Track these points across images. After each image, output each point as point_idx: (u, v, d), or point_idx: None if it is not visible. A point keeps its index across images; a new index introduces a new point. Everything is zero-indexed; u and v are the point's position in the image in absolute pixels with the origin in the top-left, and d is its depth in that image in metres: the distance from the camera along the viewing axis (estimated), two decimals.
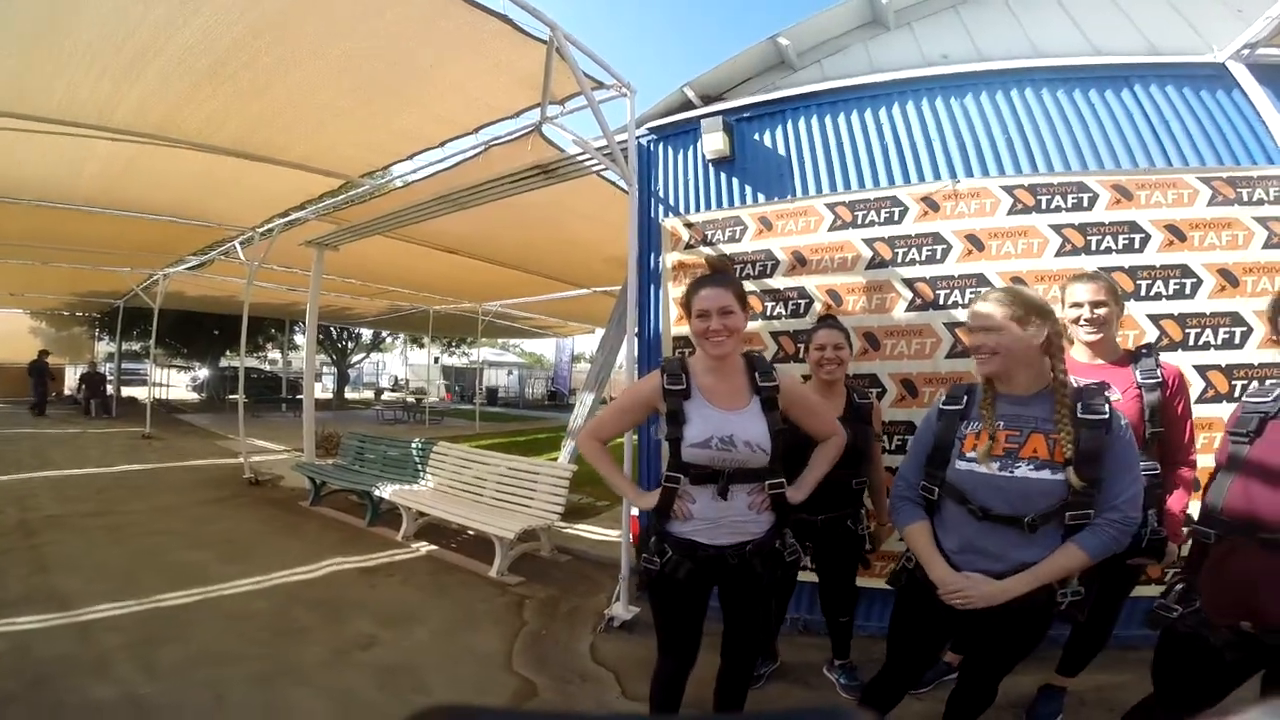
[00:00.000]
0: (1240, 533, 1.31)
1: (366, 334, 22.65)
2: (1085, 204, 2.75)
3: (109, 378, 15.70)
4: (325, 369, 23.24)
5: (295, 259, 7.31)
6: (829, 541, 2.26)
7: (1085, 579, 1.48)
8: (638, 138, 3.75)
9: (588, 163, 3.89)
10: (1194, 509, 1.58)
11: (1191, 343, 2.54)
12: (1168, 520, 1.84)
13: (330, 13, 2.96)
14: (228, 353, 19.49)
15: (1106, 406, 1.40)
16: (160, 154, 4.33)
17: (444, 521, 4.38)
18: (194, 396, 20.27)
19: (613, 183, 4.45)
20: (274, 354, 23.36)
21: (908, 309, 2.86)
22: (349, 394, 23.12)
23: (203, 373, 20.76)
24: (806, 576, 2.50)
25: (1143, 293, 2.60)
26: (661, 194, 3.63)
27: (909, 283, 2.87)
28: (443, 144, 4.28)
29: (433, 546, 4.38)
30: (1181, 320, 2.56)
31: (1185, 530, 1.76)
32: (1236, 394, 2.44)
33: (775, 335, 3.05)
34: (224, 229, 6.68)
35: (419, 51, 3.26)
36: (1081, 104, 3.01)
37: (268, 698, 2.32)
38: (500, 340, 26.37)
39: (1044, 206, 2.79)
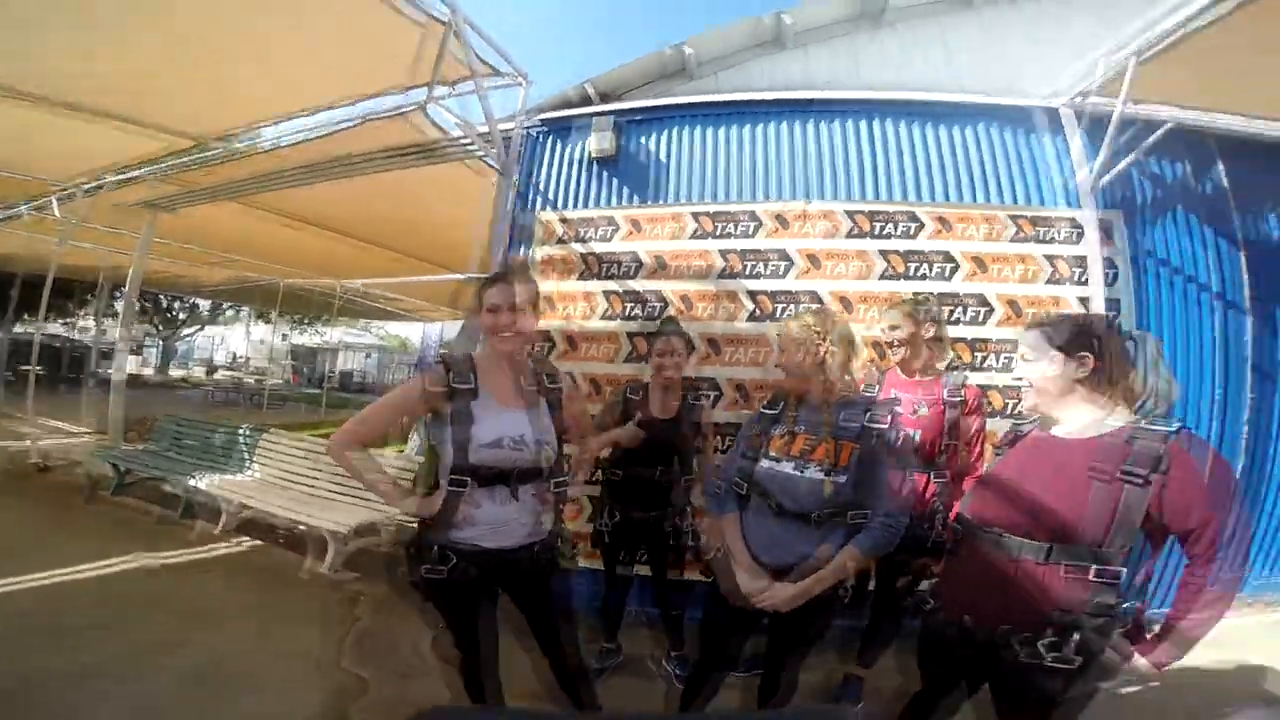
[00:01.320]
0: (975, 533, 1.67)
1: (204, 305, 22.03)
2: (912, 232, 3.70)
3: None
4: (147, 340, 22.32)
5: (123, 219, 7.40)
6: (658, 537, 2.80)
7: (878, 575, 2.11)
8: (527, 128, 4.42)
9: (471, 147, 4.49)
10: None
11: (979, 365, 3.50)
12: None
13: None
14: (26, 316, 18.35)
15: (885, 419, 1.86)
16: None
17: (270, 515, 4.64)
18: None
19: (499, 171, 5.10)
20: (86, 321, 22.08)
21: (748, 319, 3.69)
22: (175, 371, 22.44)
23: None
24: (643, 570, 3.07)
25: (946, 318, 3.53)
26: (542, 186, 4.30)
27: (753, 294, 3.72)
28: (314, 112, 4.73)
29: (256, 542, 4.68)
30: (972, 344, 3.52)
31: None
32: (1009, 412, 3.38)
33: (631, 336, 3.79)
34: (38, 181, 6.70)
35: (303, 18, 3.63)
36: (930, 137, 3.98)
37: (48, 700, 2.41)
38: (362, 321, 26.42)
39: (877, 232, 3.71)
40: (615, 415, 2.82)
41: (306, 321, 24.01)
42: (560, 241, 4.08)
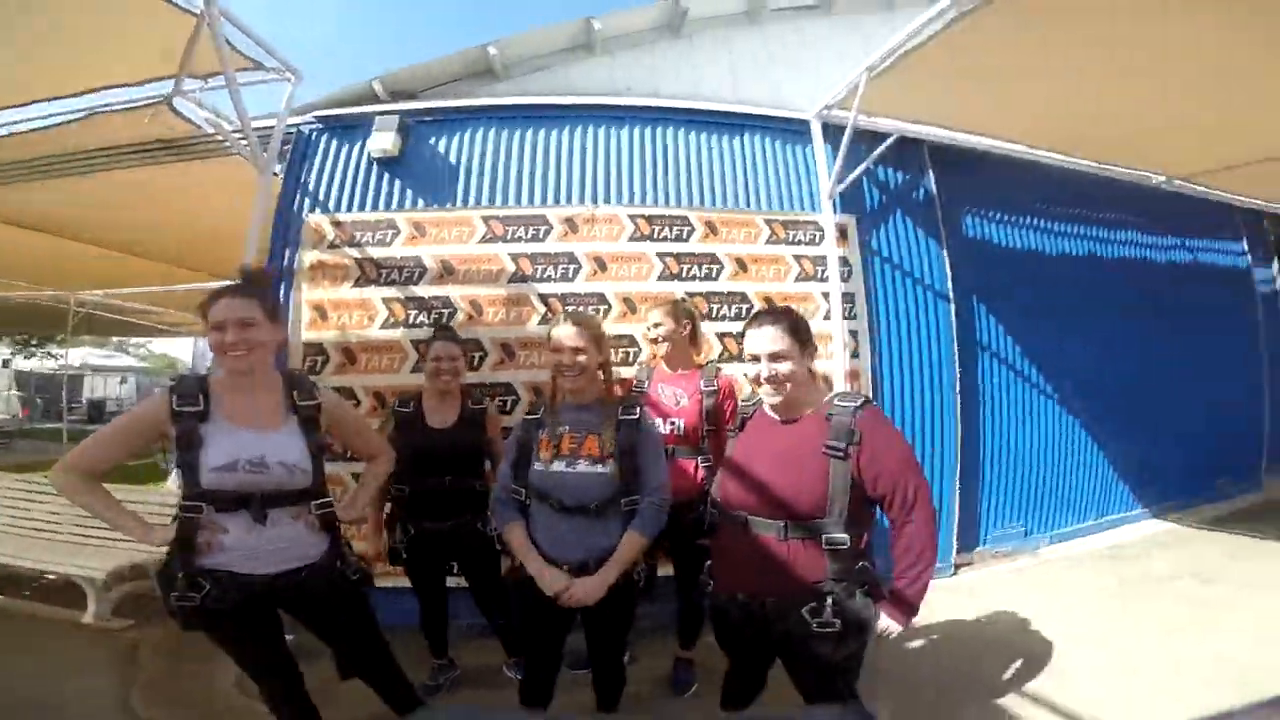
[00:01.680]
0: (726, 516, 1.80)
1: None
2: (684, 236, 4.00)
3: None
4: None
5: None
6: (463, 547, 2.73)
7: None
8: (298, 126, 4.12)
9: (224, 144, 4.10)
10: None
11: (745, 357, 3.91)
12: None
13: None
14: None
15: (637, 409, 2.03)
16: None
17: (9, 567, 4.06)
18: None
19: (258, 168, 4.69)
20: None
21: (540, 322, 3.76)
22: None
23: None
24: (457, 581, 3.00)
25: (714, 314, 3.89)
26: (312, 188, 4.03)
27: (543, 298, 3.80)
28: (26, 104, 4.04)
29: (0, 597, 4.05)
30: (740, 338, 3.87)
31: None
32: None
33: (416, 344, 3.68)
34: None
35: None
36: (705, 145, 4.31)
37: None
38: (115, 339, 22.88)
39: (655, 236, 3.97)
40: (389, 432, 2.71)
41: (35, 343, 20.23)
42: (332, 246, 3.85)
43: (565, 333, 2.01)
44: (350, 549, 2.04)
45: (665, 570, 2.47)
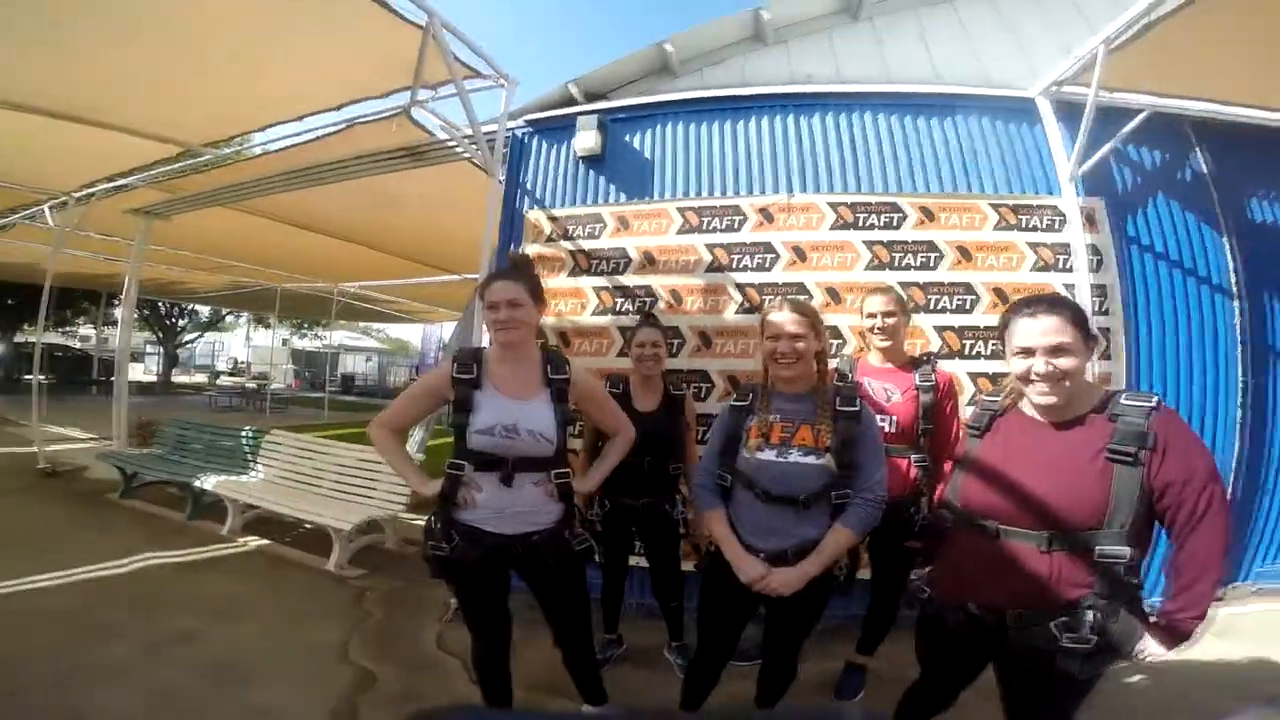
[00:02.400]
0: (966, 520, 1.66)
1: (204, 311, 21.95)
2: (895, 223, 3.66)
3: None
4: (149, 348, 22.26)
5: (116, 226, 7.37)
6: (651, 526, 2.82)
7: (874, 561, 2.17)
8: (512, 129, 4.38)
9: (456, 149, 4.49)
10: None
11: (967, 352, 3.47)
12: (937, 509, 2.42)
13: None
14: (26, 326, 18.40)
15: (858, 402, 1.90)
16: None
17: (276, 515, 4.70)
18: None
19: (486, 170, 5.07)
20: (88, 329, 22.16)
21: (737, 311, 3.65)
22: (178, 377, 22.40)
23: None
24: (639, 561, 3.10)
25: (932, 306, 3.52)
26: (529, 186, 4.27)
27: (740, 287, 3.68)
28: (300, 118, 4.69)
29: (264, 541, 4.71)
30: (960, 332, 3.49)
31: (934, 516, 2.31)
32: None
33: (623, 330, 3.74)
34: (32, 192, 6.67)
35: (282, 24, 3.61)
36: (910, 129, 3.94)
37: (71, 699, 2.45)
38: (361, 324, 26.30)
39: (860, 224, 3.68)
40: None
41: (306, 326, 23.93)
42: (549, 240, 4.04)
43: (784, 318, 1.93)
44: (578, 520, 2.12)
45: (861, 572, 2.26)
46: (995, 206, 3.68)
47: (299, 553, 4.54)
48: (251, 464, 5.47)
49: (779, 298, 2.06)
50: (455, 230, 6.77)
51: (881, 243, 3.65)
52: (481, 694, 2.17)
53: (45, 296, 7.82)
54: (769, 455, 1.88)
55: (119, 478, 5.92)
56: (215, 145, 5.38)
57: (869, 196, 3.76)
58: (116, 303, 17.62)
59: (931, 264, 3.61)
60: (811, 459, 1.85)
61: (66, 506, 5.46)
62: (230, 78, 4.23)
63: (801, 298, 3.40)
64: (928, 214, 3.68)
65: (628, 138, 4.23)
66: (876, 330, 2.60)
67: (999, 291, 3.53)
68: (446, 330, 21.22)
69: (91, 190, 6.40)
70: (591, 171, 4.20)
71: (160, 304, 19.79)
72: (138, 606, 3.37)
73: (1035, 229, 3.64)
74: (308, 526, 4.56)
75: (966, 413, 2.29)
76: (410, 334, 28.35)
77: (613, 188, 4.13)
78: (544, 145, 4.39)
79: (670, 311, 3.72)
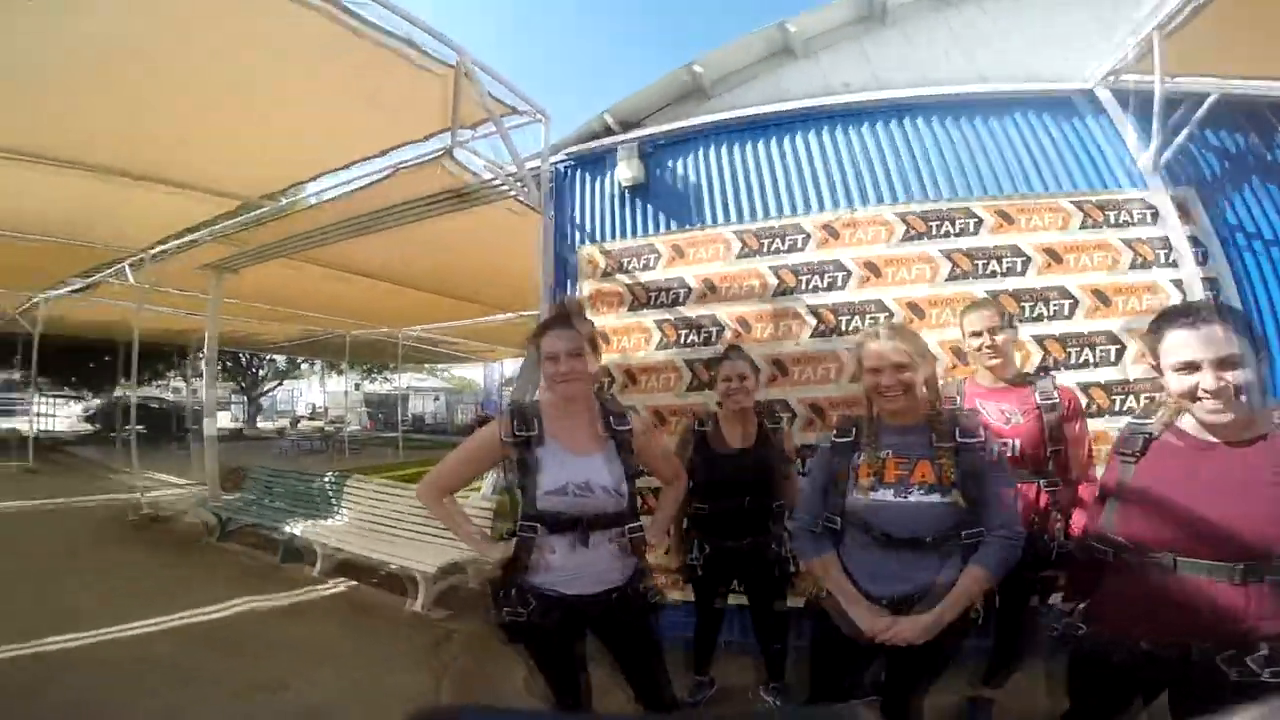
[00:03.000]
0: (1131, 554, 1.38)
1: (280, 360, 21.80)
2: (971, 229, 3.05)
3: None
4: (234, 398, 22.23)
5: (195, 283, 7.05)
6: (755, 567, 2.38)
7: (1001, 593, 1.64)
8: (555, 164, 3.87)
9: (501, 188, 3.99)
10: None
11: (1073, 361, 2.83)
12: (1073, 536, 1.97)
13: (224, 33, 2.91)
14: (122, 381, 18.43)
15: (981, 431, 1.55)
16: (35, 172, 4.13)
17: (362, 558, 4.31)
18: (86, 428, 19.10)
19: (533, 208, 4.56)
20: (177, 383, 22.21)
21: (812, 335, 3.06)
22: (261, 424, 22.24)
23: (95, 403, 19.54)
24: (739, 599, 2.58)
25: (1026, 314, 2.88)
26: (577, 221, 3.74)
27: (813, 309, 3.08)
28: (347, 166, 4.25)
29: (351, 583, 4.31)
30: (1064, 340, 2.85)
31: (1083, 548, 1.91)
32: (1117, 408, 2.73)
33: (689, 364, 3.19)
34: (110, 250, 6.35)
35: (320, 74, 3.26)
36: (968, 131, 3.33)
37: None
38: (426, 365, 26.02)
39: (934, 232, 3.06)
40: (686, 451, 2.38)
41: (375, 370, 23.69)
42: (605, 274, 3.49)
43: (884, 347, 1.58)
44: (649, 572, 1.79)
45: None
46: (1078, 204, 3.04)
47: (385, 594, 4.14)
48: (335, 508, 5.07)
49: (877, 324, 1.71)
50: (504, 269, 6.29)
51: (960, 251, 3.02)
52: None
53: (135, 351, 7.63)
54: (886, 495, 1.54)
55: (214, 522, 5.61)
56: (271, 198, 4.98)
57: (938, 204, 3.14)
58: (201, 356, 17.62)
59: (1020, 269, 2.97)
60: (936, 497, 1.50)
61: (167, 552, 5.18)
62: (277, 130, 3.85)
63: (897, 320, 2.83)
64: (1005, 217, 3.05)
65: (670, 163, 3.70)
66: (985, 349, 2.08)
67: (1099, 294, 2.89)
68: (507, 367, 20.86)
69: (164, 247, 6.08)
70: (637, 200, 3.66)
71: (241, 355, 19.68)
72: (232, 653, 3.10)
73: (1127, 224, 2.99)
74: (393, 568, 4.15)
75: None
76: (473, 373, 27.97)
77: (661, 215, 3.59)
78: (587, 178, 3.87)
79: (739, 340, 3.11)
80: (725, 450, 2.34)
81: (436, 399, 26.56)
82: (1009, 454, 1.93)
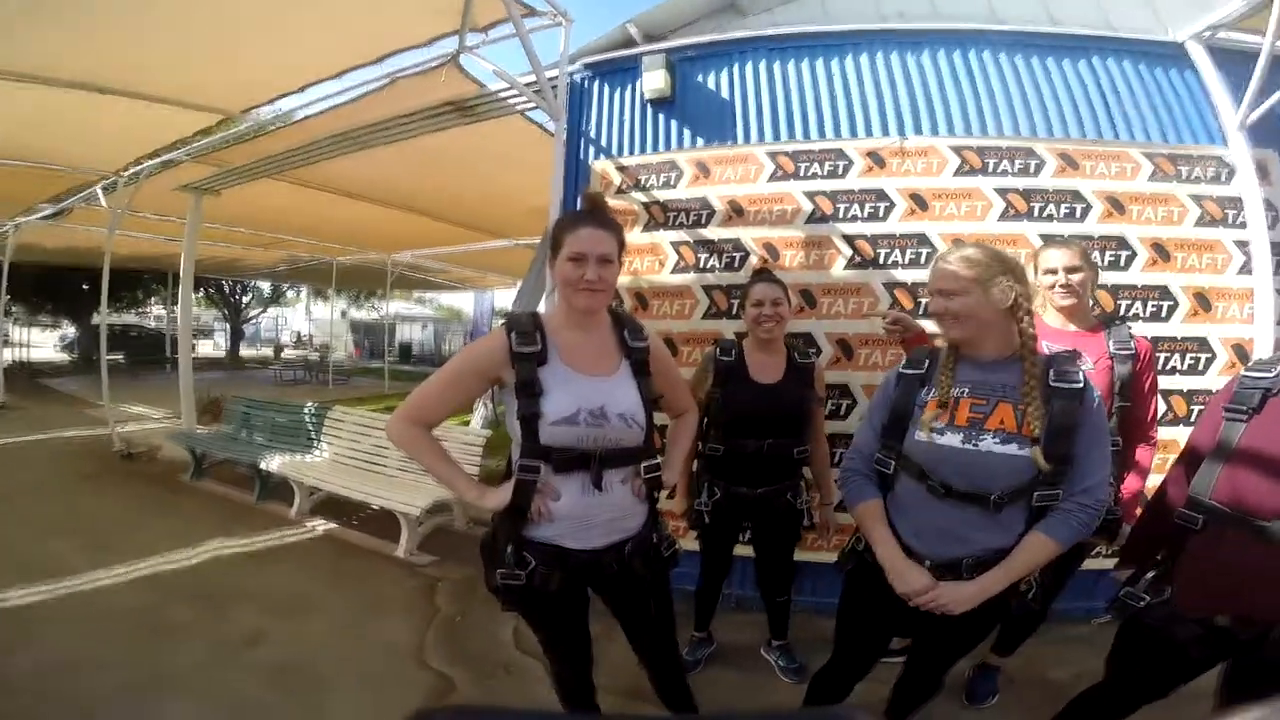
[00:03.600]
0: (1230, 521, 1.25)
1: (265, 287, 21.26)
2: (1031, 170, 2.78)
3: None
4: (218, 325, 21.62)
5: (172, 206, 6.63)
6: (767, 516, 2.17)
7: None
8: (571, 73, 3.53)
9: (511, 100, 3.65)
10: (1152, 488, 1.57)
11: (1123, 313, 2.62)
12: (1123, 500, 1.84)
13: None
14: (101, 309, 17.88)
15: (1080, 376, 1.31)
16: None
17: (343, 497, 4.06)
18: (64, 357, 18.54)
19: (540, 125, 4.20)
20: (159, 309, 21.60)
21: (847, 266, 2.80)
22: (246, 352, 21.68)
23: (72, 331, 18.94)
24: (743, 550, 2.39)
25: None
26: (593, 135, 3.40)
27: (849, 239, 2.81)
28: (339, 75, 3.83)
29: (331, 525, 4.10)
30: (1114, 291, 2.64)
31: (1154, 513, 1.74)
32: (1161, 366, 2.52)
33: (708, 289, 2.92)
34: (81, 174, 5.95)
35: None
36: (1038, 70, 3.04)
37: (140, 711, 2.10)
38: (415, 294, 25.47)
39: (990, 170, 2.80)
40: (706, 382, 2.11)
41: (363, 297, 23.17)
42: (619, 191, 3.18)
43: (944, 267, 1.38)
44: (663, 520, 1.55)
45: None
46: (1149, 155, 2.79)
47: (367, 537, 3.93)
48: (315, 442, 4.78)
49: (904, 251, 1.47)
50: (506, 192, 5.94)
51: (1017, 190, 2.76)
52: (563, 706, 1.66)
53: (105, 278, 7.26)
54: (953, 440, 1.32)
55: (190, 458, 5.33)
56: (253, 110, 4.53)
57: (998, 140, 2.86)
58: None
59: (1078, 215, 2.72)
60: (1012, 448, 1.27)
61: (140, 490, 4.95)
62: (263, 37, 3.45)
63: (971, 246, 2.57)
64: (1069, 161, 2.79)
65: (700, 78, 3.34)
66: (1059, 288, 1.87)
67: (1159, 247, 2.67)
68: (498, 297, 20.28)
69: (139, 168, 5.65)
70: (661, 115, 3.32)
71: (225, 282, 19.17)
72: (206, 603, 2.92)
73: (1198, 180, 2.76)
74: (375, 508, 3.92)
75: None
76: (463, 301, 27.10)
77: (687, 132, 3.26)
78: (606, 89, 3.50)
79: (765, 268, 2.84)
80: (750, 384, 2.07)
81: (425, 328, 25.88)
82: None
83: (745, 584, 2.79)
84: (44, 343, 19.34)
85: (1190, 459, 1.40)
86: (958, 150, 2.84)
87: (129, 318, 20.25)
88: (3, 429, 7.25)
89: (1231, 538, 1.24)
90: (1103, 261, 2.63)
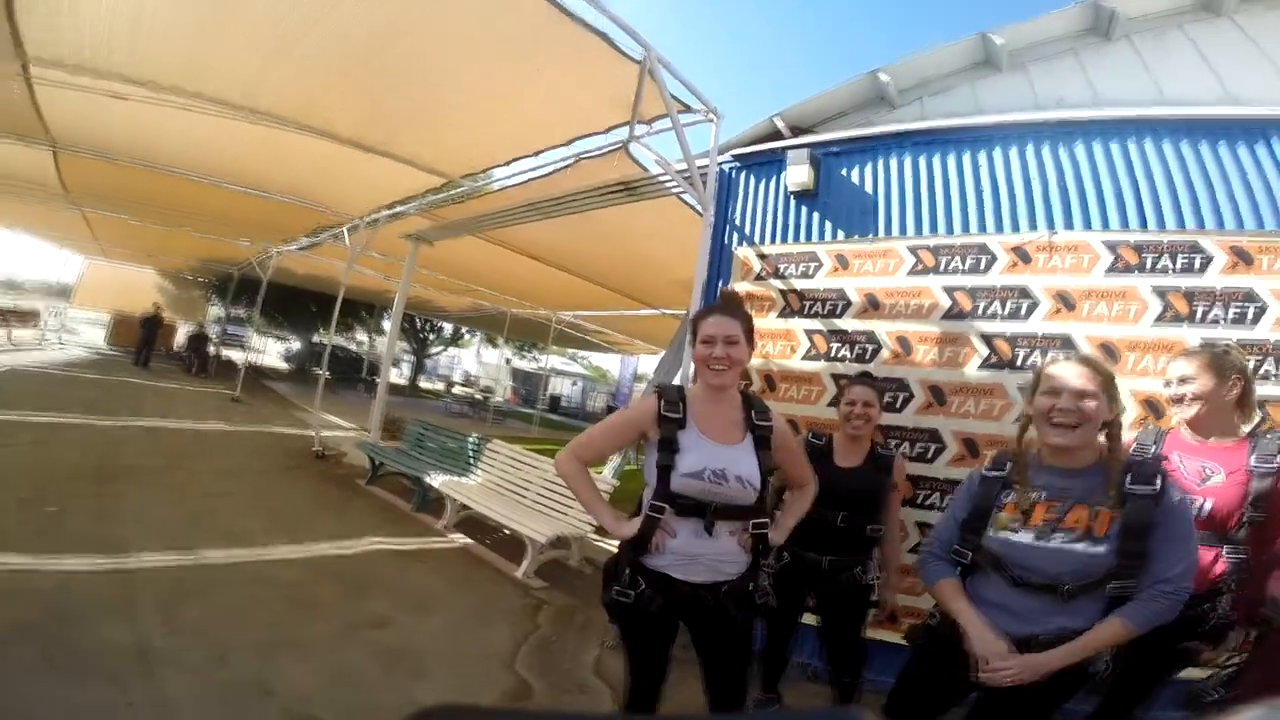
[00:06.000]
0: None
1: (447, 328, 24.39)
2: (1197, 267, 2.69)
3: (213, 339, 17.88)
4: (404, 356, 25.31)
5: (392, 249, 8.19)
6: (835, 588, 2.36)
7: (1132, 654, 1.54)
8: (720, 164, 4.00)
9: (668, 184, 4.19)
10: None
11: None
12: (1240, 606, 1.81)
13: (455, 14, 3.34)
14: (320, 329, 21.84)
15: (1159, 479, 1.42)
16: (290, 138, 5.06)
17: (484, 517, 4.73)
18: (284, 365, 23.10)
19: (691, 206, 4.72)
20: (361, 336, 25.75)
21: (981, 366, 2.90)
22: (422, 383, 25.14)
23: (295, 344, 23.34)
24: (811, 619, 2.56)
25: (1252, 370, 2.49)
26: (738, 222, 3.84)
27: (987, 338, 2.92)
28: (537, 153, 4.78)
29: (468, 540, 4.78)
30: None
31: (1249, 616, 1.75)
32: None
33: (836, 378, 3.17)
34: (335, 215, 7.62)
35: (522, 61, 3.64)
36: (1207, 156, 2.92)
37: (266, 662, 2.49)
38: (570, 350, 27.74)
39: (1149, 266, 2.75)
40: None
41: (526, 348, 25.75)
42: (758, 277, 3.56)
43: (1069, 370, 1.51)
44: (763, 574, 1.77)
45: None
46: None
47: (495, 556, 4.52)
48: (472, 468, 5.60)
49: (1066, 352, 1.51)
50: (659, 265, 6.63)
51: (1179, 290, 2.69)
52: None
53: (338, 304, 8.97)
54: (1026, 537, 1.48)
55: (368, 465, 6.38)
56: (471, 177, 5.65)
57: (1159, 235, 2.80)
58: (386, 314, 20.47)
59: (1250, 318, 2.57)
60: (1083, 545, 1.42)
61: (324, 486, 5.93)
62: (481, 115, 4.38)
63: (1084, 353, 2.61)
64: (1242, 256, 2.65)
65: (844, 172, 3.65)
66: (1171, 401, 1.97)
67: None
68: (641, 363, 21.78)
69: (377, 216, 7.13)
70: (804, 208, 3.67)
71: (416, 319, 22.34)
72: (350, 588, 3.46)
73: None
74: (507, 532, 4.54)
75: None
76: (610, 363, 29.45)
77: (828, 225, 3.57)
78: (751, 180, 3.95)
79: (896, 361, 3.09)
80: (833, 465, 2.36)
81: (575, 383, 28.20)
82: (1196, 515, 1.78)
83: (814, 654, 2.90)
84: (270, 350, 23.95)
85: None
86: (1111, 246, 2.83)
87: (338, 340, 24.38)
88: (236, 418, 9.22)
89: None
90: (1276, 370, 2.47)
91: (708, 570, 1.66)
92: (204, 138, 5.38)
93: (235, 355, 17.89)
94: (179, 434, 7.33)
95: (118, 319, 18.35)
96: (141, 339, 14.68)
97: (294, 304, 19.14)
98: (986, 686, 1.48)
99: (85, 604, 2.68)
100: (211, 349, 16.87)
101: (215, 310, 21.67)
